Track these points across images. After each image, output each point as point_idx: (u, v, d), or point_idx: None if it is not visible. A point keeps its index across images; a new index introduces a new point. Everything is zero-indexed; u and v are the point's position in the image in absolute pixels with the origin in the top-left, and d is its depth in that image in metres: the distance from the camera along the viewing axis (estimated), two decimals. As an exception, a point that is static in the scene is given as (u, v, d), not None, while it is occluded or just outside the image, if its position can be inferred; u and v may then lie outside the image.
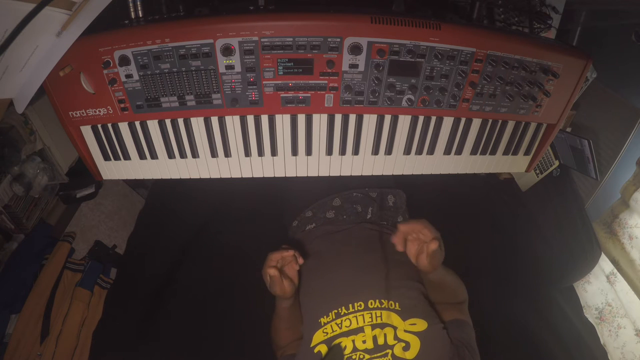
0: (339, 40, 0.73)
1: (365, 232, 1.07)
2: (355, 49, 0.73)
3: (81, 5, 0.61)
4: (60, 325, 1.35)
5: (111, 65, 0.72)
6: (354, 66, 0.76)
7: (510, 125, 0.93)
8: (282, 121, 0.84)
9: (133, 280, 1.30)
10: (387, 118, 0.86)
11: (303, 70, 0.76)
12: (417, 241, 0.84)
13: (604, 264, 1.44)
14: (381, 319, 0.86)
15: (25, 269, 1.34)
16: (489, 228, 1.48)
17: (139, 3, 0.74)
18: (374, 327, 0.85)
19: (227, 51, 0.72)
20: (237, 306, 1.23)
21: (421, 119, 0.87)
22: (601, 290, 1.47)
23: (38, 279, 1.35)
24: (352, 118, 0.85)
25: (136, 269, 1.32)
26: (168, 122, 0.83)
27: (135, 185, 1.91)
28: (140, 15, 0.74)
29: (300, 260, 0.90)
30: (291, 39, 0.72)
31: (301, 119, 0.84)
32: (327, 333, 0.88)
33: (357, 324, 0.87)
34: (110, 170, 0.89)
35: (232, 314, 1.22)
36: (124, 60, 0.72)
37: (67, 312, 1.38)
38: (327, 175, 0.91)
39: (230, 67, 0.74)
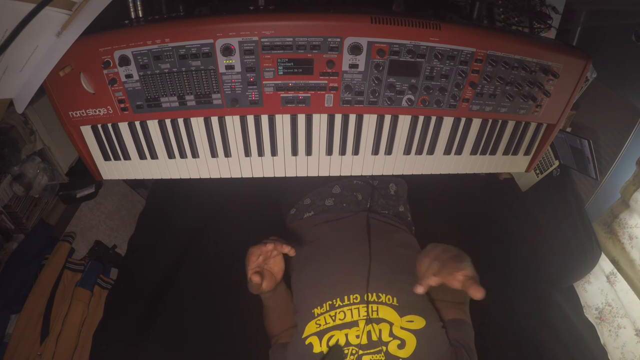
0: (339, 40, 0.73)
1: (365, 221, 1.03)
2: (355, 49, 0.73)
3: (81, 5, 0.61)
4: (60, 325, 1.36)
5: (111, 65, 0.72)
6: (354, 66, 0.76)
7: (510, 125, 0.93)
8: (282, 121, 0.84)
9: (134, 280, 1.30)
10: (387, 118, 0.86)
11: (303, 70, 0.75)
12: (450, 275, 0.74)
13: (604, 264, 1.43)
14: (377, 314, 0.83)
15: (25, 269, 1.34)
16: (489, 228, 1.48)
17: (139, 3, 0.73)
18: (368, 321, 0.82)
19: (227, 51, 0.72)
20: (238, 306, 1.22)
21: (421, 119, 0.87)
22: (601, 290, 1.47)
23: (38, 279, 1.35)
24: (352, 118, 0.85)
25: (137, 270, 1.32)
26: (168, 122, 0.83)
27: (135, 185, 1.91)
28: (140, 15, 0.74)
29: (292, 253, 0.84)
30: (291, 39, 0.72)
31: (301, 119, 0.84)
32: (319, 325, 0.86)
33: (352, 317, 0.84)
34: (110, 170, 0.89)
35: (233, 313, 1.22)
36: (124, 60, 0.72)
37: (67, 312, 1.39)
38: (327, 175, 0.91)
39: (230, 67, 0.74)
